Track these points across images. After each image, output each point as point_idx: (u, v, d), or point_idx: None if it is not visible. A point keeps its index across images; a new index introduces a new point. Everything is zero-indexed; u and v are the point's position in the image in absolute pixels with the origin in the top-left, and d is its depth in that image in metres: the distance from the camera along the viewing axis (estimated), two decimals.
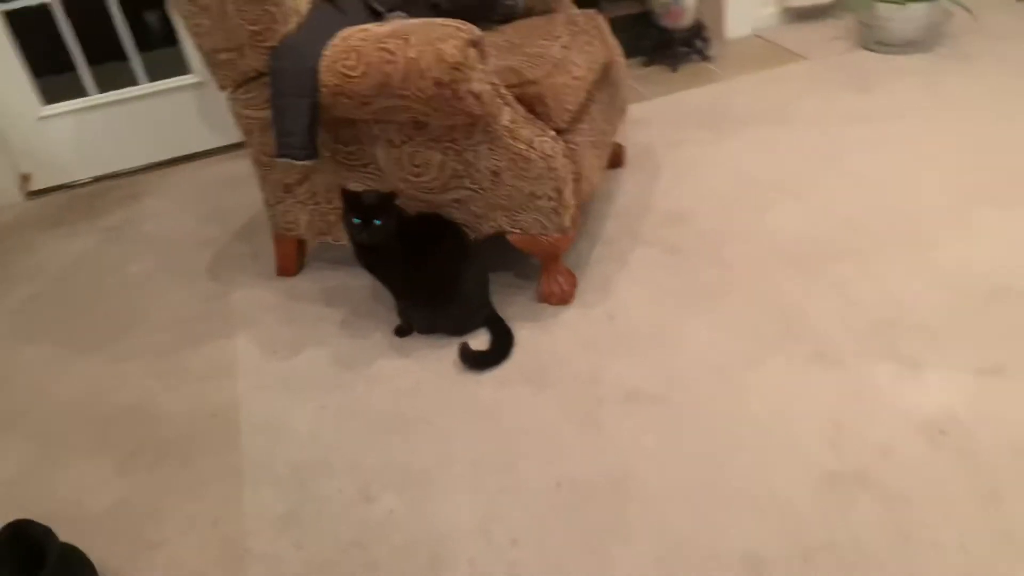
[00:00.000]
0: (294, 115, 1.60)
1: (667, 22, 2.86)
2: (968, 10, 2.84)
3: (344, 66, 1.55)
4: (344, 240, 1.92)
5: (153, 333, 1.94)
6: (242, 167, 2.72)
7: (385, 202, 1.60)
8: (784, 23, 3.16)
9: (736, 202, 2.08)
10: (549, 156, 1.63)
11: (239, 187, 2.57)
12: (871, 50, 2.81)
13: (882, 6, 2.73)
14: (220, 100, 2.77)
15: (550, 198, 1.66)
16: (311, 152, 1.63)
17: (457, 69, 1.48)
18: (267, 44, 1.63)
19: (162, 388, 1.75)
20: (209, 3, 1.66)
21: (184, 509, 1.44)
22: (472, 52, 1.51)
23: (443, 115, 1.56)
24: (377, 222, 1.60)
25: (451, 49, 1.48)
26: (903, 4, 2.68)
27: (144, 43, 2.73)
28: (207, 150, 2.86)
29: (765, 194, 2.10)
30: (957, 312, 1.61)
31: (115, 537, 1.40)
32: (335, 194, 1.84)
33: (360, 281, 2.00)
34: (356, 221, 1.61)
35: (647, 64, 2.99)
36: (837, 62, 2.78)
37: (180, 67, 2.75)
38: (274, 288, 2.03)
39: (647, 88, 2.81)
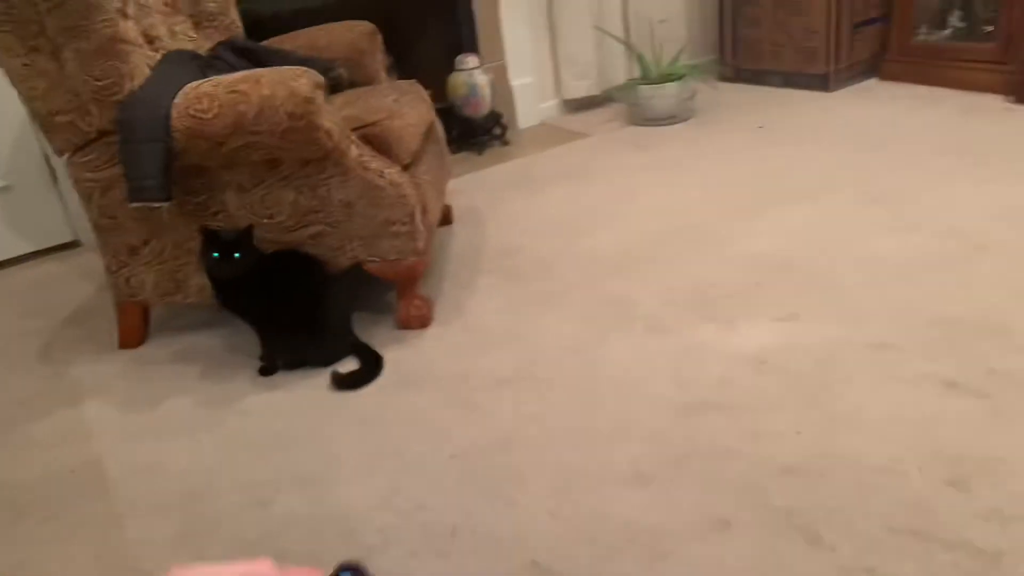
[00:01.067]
0: (149, 158, 1.65)
1: (468, 112, 3.20)
2: (714, 87, 3.47)
3: (196, 110, 1.65)
4: (192, 299, 1.94)
5: None
6: (55, 270, 2.63)
7: (244, 236, 1.68)
8: (565, 113, 3.64)
9: (556, 235, 2.35)
10: (399, 183, 1.80)
11: (56, 287, 2.48)
12: (641, 125, 3.31)
13: (643, 88, 3.26)
14: (25, 204, 2.70)
15: (404, 223, 1.82)
16: (167, 194, 1.68)
17: (309, 102, 1.63)
18: (115, 98, 1.69)
19: (8, 458, 1.64)
20: (47, 66, 1.71)
21: (58, 554, 1.35)
22: (320, 91, 1.68)
23: (297, 149, 1.69)
24: (237, 255, 1.67)
25: (302, 86, 1.64)
26: (660, 84, 3.22)
27: None
28: (12, 258, 2.72)
29: (579, 227, 2.39)
30: (753, 283, 1.93)
31: None
32: (183, 249, 1.87)
33: (212, 341, 2.01)
34: (216, 256, 1.66)
35: (455, 151, 3.29)
36: (616, 135, 3.25)
37: None
38: (119, 359, 1.98)
39: (459, 168, 3.09)
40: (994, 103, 2.94)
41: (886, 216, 2.20)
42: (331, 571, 0.46)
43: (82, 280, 2.50)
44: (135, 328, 2.02)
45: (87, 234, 2.79)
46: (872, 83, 3.42)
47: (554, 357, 1.74)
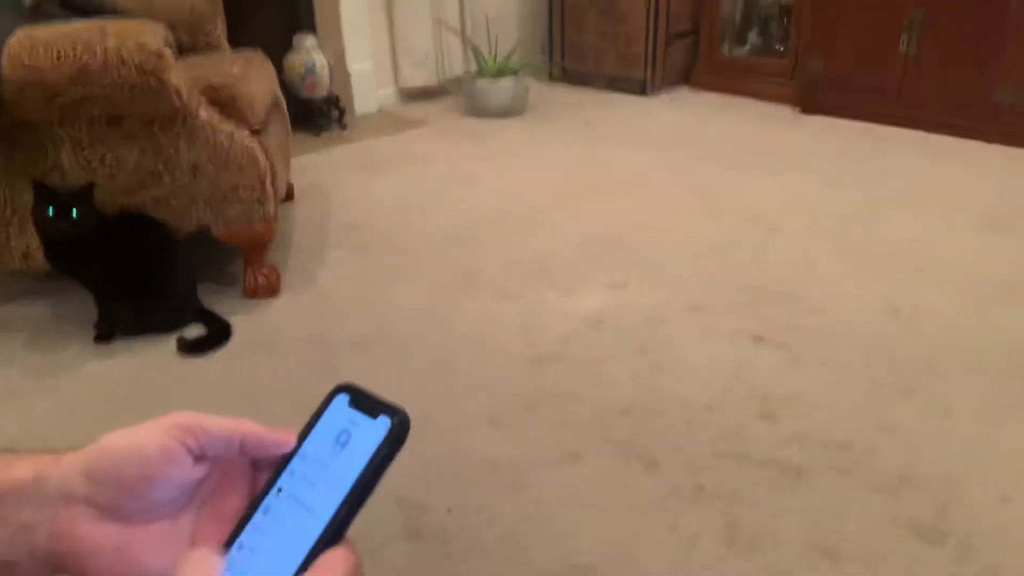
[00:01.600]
0: None
1: (305, 93, 3.18)
2: (547, 85, 3.68)
3: (31, 58, 1.56)
4: (15, 265, 1.81)
5: None
6: None
7: (82, 193, 1.60)
8: (402, 102, 3.69)
9: (401, 212, 2.41)
10: (249, 147, 1.78)
11: None
12: (476, 116, 3.44)
13: (480, 81, 3.39)
14: None
15: (253, 188, 1.81)
16: None
17: (159, 56, 1.59)
18: None
19: None
20: None
21: None
22: (169, 48, 1.64)
23: (144, 105, 1.64)
24: (74, 213, 1.59)
25: (151, 39, 1.59)
26: (495, 79, 3.37)
27: None
28: None
29: (422, 205, 2.46)
30: (587, 257, 2.10)
31: None
32: (6, 210, 1.75)
33: (39, 310, 1.88)
34: (50, 214, 1.57)
35: (292, 132, 3.25)
36: (453, 125, 3.35)
37: None
38: None
39: (298, 148, 3.05)
40: (784, 112, 3.35)
41: (697, 203, 2.46)
42: (326, 396, 0.47)
43: None
44: None
45: None
46: (684, 91, 3.76)
47: (407, 321, 1.80)
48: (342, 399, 0.46)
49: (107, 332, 1.75)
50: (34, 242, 1.73)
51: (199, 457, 0.46)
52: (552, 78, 3.91)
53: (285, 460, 0.47)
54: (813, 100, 3.28)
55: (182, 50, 2.16)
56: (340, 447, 0.44)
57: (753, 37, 3.69)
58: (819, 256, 2.08)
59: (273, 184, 1.89)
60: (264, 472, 0.49)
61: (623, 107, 3.56)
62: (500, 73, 3.42)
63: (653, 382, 1.56)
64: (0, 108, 1.57)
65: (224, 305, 1.86)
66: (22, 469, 0.43)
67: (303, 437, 0.47)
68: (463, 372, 1.60)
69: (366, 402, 0.45)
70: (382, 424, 0.43)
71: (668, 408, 1.47)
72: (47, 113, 1.63)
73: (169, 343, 1.71)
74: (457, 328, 1.77)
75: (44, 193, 1.57)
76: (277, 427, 0.48)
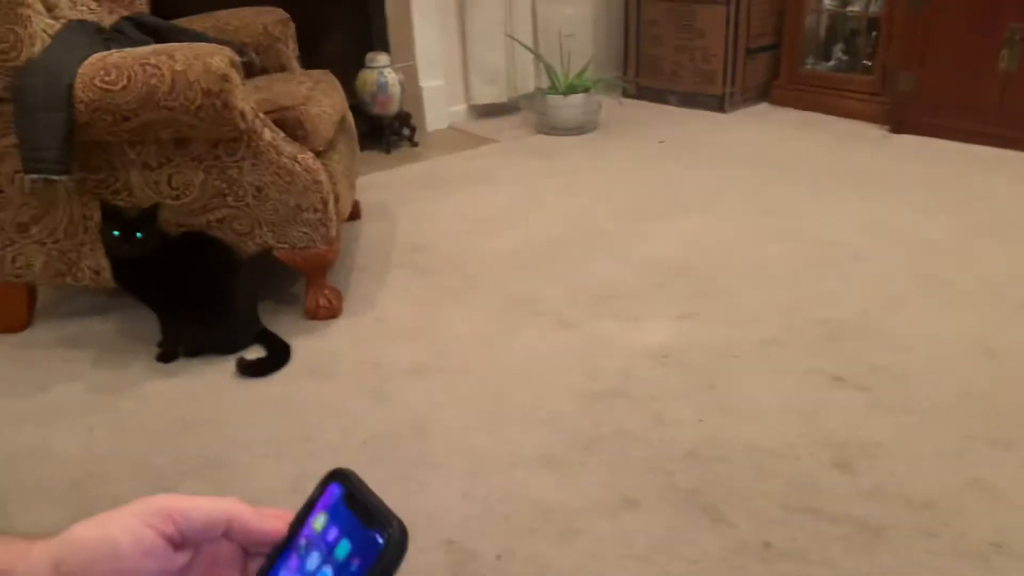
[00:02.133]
0: (47, 129, 1.57)
1: (377, 110, 3.19)
2: (619, 100, 3.61)
3: (104, 81, 1.58)
4: (86, 282, 1.85)
5: None
6: None
7: (147, 215, 1.62)
8: (472, 118, 3.68)
9: (466, 235, 2.38)
10: (313, 169, 1.78)
11: None
12: (546, 134, 3.39)
13: (550, 97, 3.34)
14: None
15: (316, 210, 1.80)
16: (66, 167, 1.60)
17: (225, 79, 1.60)
18: (11, 64, 1.60)
19: None
20: None
21: None
22: (235, 70, 1.64)
23: (209, 128, 1.64)
24: (139, 235, 1.61)
25: (218, 62, 1.60)
26: (566, 95, 3.31)
27: None
28: None
29: (488, 228, 2.42)
30: (654, 285, 2.02)
31: None
32: (79, 229, 1.78)
33: (105, 326, 1.92)
34: (116, 234, 1.60)
35: (362, 149, 3.26)
36: (522, 143, 3.31)
37: None
38: (0, 343, 1.85)
39: (367, 166, 3.06)
40: (870, 131, 3.18)
41: (774, 227, 2.34)
42: (320, 482, 0.44)
43: None
44: (19, 311, 1.90)
45: None
46: (763, 107, 3.63)
47: (464, 349, 1.76)
48: (336, 491, 0.42)
49: (169, 351, 1.76)
50: (104, 260, 1.76)
51: (179, 545, 0.42)
52: (626, 94, 3.83)
53: (277, 553, 0.44)
54: (903, 118, 3.10)
55: (253, 71, 2.20)
56: (330, 556, 0.40)
57: (838, 51, 3.53)
58: (906, 289, 1.94)
59: (336, 206, 1.88)
60: (255, 560, 0.45)
61: (699, 124, 3.46)
62: (572, 89, 3.36)
63: (720, 424, 1.47)
64: (75, 129, 1.60)
65: (285, 326, 1.86)
66: None
67: (295, 527, 0.43)
68: (518, 406, 1.55)
69: (361, 503, 0.41)
70: (375, 540, 0.38)
71: (735, 454, 1.38)
72: (117, 135, 1.65)
73: (229, 364, 1.71)
74: (514, 358, 1.72)
75: (111, 214, 1.59)
76: (267, 510, 0.45)
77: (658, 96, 3.79)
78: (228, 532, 0.43)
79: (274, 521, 0.43)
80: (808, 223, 2.36)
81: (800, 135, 3.24)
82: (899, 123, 3.12)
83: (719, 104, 3.57)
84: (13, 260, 1.82)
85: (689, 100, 3.68)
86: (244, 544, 0.44)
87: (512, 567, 1.16)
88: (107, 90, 1.58)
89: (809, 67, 3.56)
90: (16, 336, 1.89)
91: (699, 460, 1.37)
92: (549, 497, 1.29)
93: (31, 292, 1.92)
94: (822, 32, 3.59)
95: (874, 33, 3.34)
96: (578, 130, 3.37)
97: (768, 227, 2.35)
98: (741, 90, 3.57)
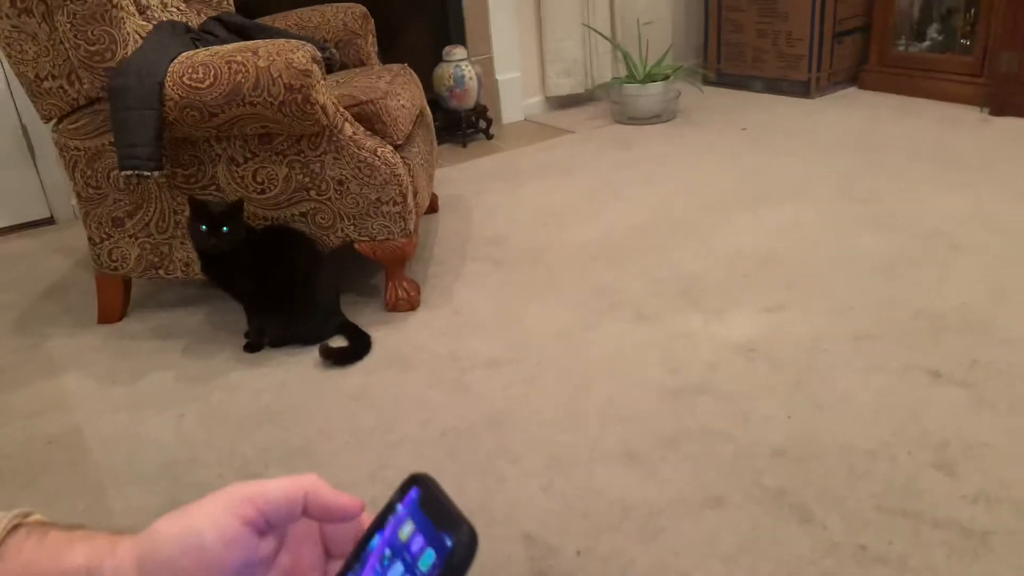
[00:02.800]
0: (140, 126, 1.63)
1: (454, 104, 3.20)
2: (699, 87, 3.53)
3: (192, 78, 1.63)
4: (177, 274, 1.91)
5: None
6: (29, 245, 2.58)
7: (233, 209, 1.66)
8: (549, 110, 3.65)
9: (542, 227, 2.36)
10: (393, 163, 1.79)
11: (31, 262, 2.42)
12: (624, 123, 3.34)
13: (628, 86, 3.29)
14: (0, 179, 2.63)
15: (395, 203, 1.81)
16: (158, 163, 1.65)
17: (307, 75, 1.62)
18: (106, 64, 1.66)
19: None
20: (36, 29, 1.67)
21: None
22: (317, 65, 1.66)
23: (292, 123, 1.67)
24: (225, 229, 1.65)
25: (300, 58, 1.62)
26: (644, 83, 3.25)
27: None
28: None
29: (565, 219, 2.40)
30: (739, 276, 1.95)
31: None
32: (169, 223, 1.85)
33: (195, 317, 1.98)
34: (203, 228, 1.64)
35: (439, 143, 3.29)
36: (599, 133, 3.27)
37: None
38: (98, 333, 1.94)
39: (444, 159, 3.08)
40: (970, 114, 3.01)
41: (867, 216, 2.24)
42: (400, 485, 0.44)
43: (57, 256, 2.45)
44: (115, 302, 1.98)
45: (62, 212, 2.74)
46: (852, 91, 3.48)
47: (543, 341, 1.74)
48: (415, 495, 0.42)
49: (255, 342, 1.80)
50: (193, 254, 1.81)
51: (263, 531, 0.42)
52: (706, 82, 3.73)
53: (357, 551, 0.44)
54: (1004, 101, 2.93)
55: (333, 67, 2.23)
56: (406, 557, 0.39)
57: (933, 32, 3.35)
58: (1010, 281, 1.82)
59: (415, 199, 1.89)
60: (335, 563, 0.45)
61: (784, 111, 3.34)
62: (650, 78, 3.30)
63: (811, 421, 1.40)
64: (166, 126, 1.66)
65: (365, 318, 1.88)
66: (76, 556, 0.40)
67: (376, 527, 0.43)
68: (598, 401, 1.52)
69: (435, 507, 0.40)
70: (443, 542, 0.37)
71: (827, 452, 1.32)
72: (205, 131, 1.70)
73: (312, 354, 1.74)
74: (593, 352, 1.69)
75: (198, 209, 1.64)
76: (343, 493, 0.45)
77: (740, 83, 3.69)
78: (307, 508, 0.43)
79: (348, 501, 0.44)
80: (902, 211, 2.25)
81: (893, 120, 3.09)
82: (1000, 105, 2.94)
83: (805, 90, 3.45)
84: (110, 254, 1.90)
85: (773, 86, 3.56)
86: (321, 519, 0.44)
87: (593, 564, 1.14)
88: (195, 88, 1.63)
89: (901, 49, 3.40)
90: (113, 326, 1.97)
91: (788, 459, 1.31)
92: (630, 494, 1.26)
93: (126, 284, 2.00)
94: (915, 11, 3.41)
95: (972, 11, 3.15)
96: (657, 119, 3.31)
97: (860, 216, 2.25)
98: (828, 75, 3.43)
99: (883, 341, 1.63)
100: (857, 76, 3.51)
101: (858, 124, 3.09)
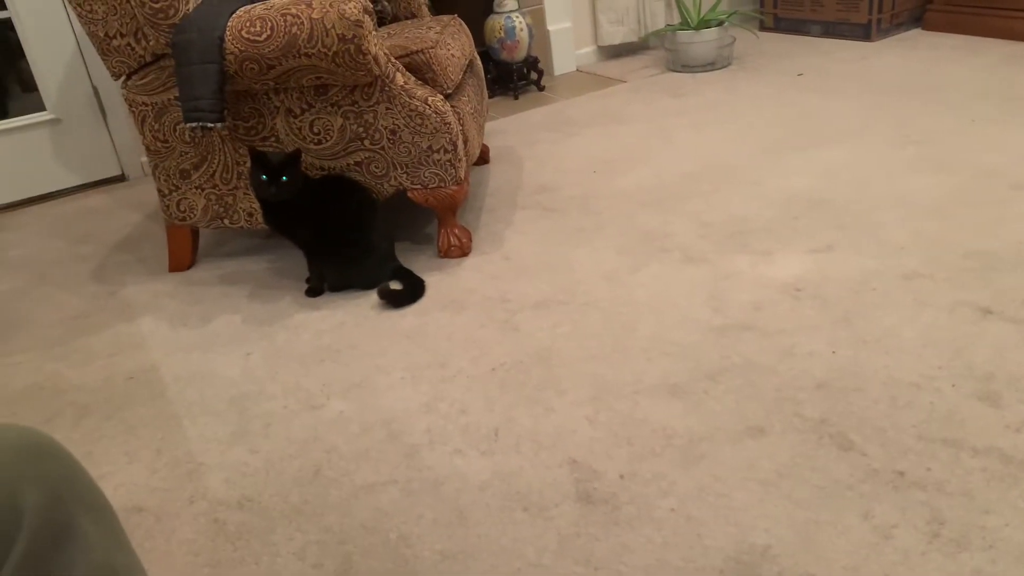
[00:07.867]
0: (203, 80, 1.70)
1: (505, 56, 3.21)
2: (755, 33, 3.46)
3: (250, 32, 1.69)
4: (241, 223, 2.00)
5: (43, 330, 1.89)
6: (102, 201, 2.71)
7: (291, 159, 1.73)
8: (601, 60, 3.63)
9: (592, 174, 2.38)
10: (443, 112, 1.83)
11: (105, 216, 2.56)
12: (677, 71, 3.30)
13: (681, 33, 3.25)
14: (74, 138, 2.77)
15: (446, 150, 1.86)
16: (220, 115, 1.73)
17: (359, 25, 1.66)
18: (169, 21, 1.74)
19: (66, 367, 1.72)
20: None
21: (119, 448, 1.43)
22: (368, 16, 1.71)
23: (346, 73, 1.73)
24: (284, 178, 1.72)
25: (351, 9, 1.67)
26: (698, 29, 3.21)
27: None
28: (61, 190, 2.81)
29: (615, 166, 2.41)
30: (789, 218, 1.95)
31: None
32: (232, 174, 1.93)
33: (259, 265, 2.07)
34: (264, 178, 1.71)
35: (491, 95, 3.32)
36: (652, 81, 3.24)
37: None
38: (169, 281, 2.05)
39: (495, 111, 3.12)
40: None
41: (922, 157, 2.19)
42: None
43: (129, 210, 2.58)
44: (185, 252, 2.09)
45: (133, 169, 2.87)
46: (915, 33, 3.37)
47: (590, 284, 1.78)
48: None
49: (316, 287, 1.89)
50: (256, 203, 1.90)
51: None
52: (762, 27, 3.65)
53: None
54: None
55: (385, 19, 2.27)
56: None
57: None
58: None
59: (465, 148, 1.93)
60: None
61: (843, 54, 3.26)
62: (704, 24, 3.25)
63: (855, 356, 1.42)
64: (227, 79, 1.73)
65: (419, 264, 1.94)
66: None
67: None
68: (644, 337, 1.56)
69: None
70: None
71: (869, 385, 1.34)
72: (263, 83, 1.76)
73: (369, 298, 1.82)
74: (639, 293, 1.72)
75: (258, 160, 1.71)
76: None
77: (797, 27, 3.60)
78: None
79: None
80: (961, 152, 2.20)
81: (957, 60, 2.99)
82: None
83: (865, 33, 3.35)
84: (178, 205, 2.00)
85: (832, 30, 3.47)
86: None
87: (635, 486, 1.19)
88: (253, 41, 1.69)
89: None
90: (183, 274, 2.08)
91: (830, 391, 1.34)
92: (672, 423, 1.31)
93: (194, 234, 2.10)
94: None
95: None
96: (711, 66, 3.26)
97: (916, 157, 2.20)
98: (890, 15, 3.33)
99: (933, 280, 1.62)
100: (921, 17, 3.39)
101: (919, 65, 3.00)
